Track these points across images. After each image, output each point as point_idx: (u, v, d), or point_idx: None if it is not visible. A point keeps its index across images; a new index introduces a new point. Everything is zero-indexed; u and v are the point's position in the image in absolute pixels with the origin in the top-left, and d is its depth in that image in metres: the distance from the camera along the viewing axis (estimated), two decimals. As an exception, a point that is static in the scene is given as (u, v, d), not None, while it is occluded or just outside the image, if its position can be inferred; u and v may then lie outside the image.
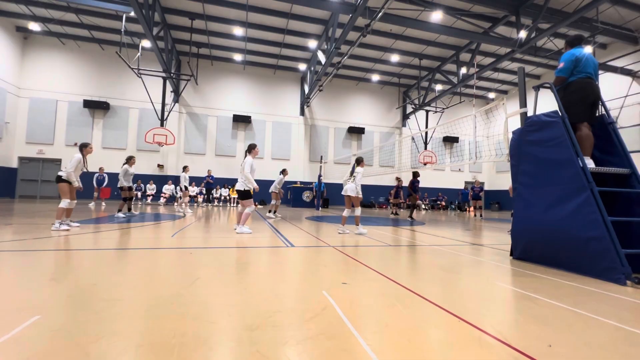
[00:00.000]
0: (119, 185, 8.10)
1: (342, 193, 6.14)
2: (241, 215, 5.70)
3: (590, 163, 3.41)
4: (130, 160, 8.10)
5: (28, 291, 2.15)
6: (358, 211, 6.03)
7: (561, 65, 3.73)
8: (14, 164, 15.81)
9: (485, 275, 3.04)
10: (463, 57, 16.52)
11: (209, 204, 16.41)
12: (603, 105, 3.75)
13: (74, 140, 16.35)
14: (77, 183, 5.38)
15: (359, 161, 6.17)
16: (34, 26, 14.94)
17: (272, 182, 10.27)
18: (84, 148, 5.58)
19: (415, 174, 10.94)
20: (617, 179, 3.53)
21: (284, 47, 16.58)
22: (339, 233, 5.91)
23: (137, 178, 8.54)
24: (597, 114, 3.76)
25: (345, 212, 6.13)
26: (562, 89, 3.78)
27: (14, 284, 2.32)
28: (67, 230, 5.09)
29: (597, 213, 2.97)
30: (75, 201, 5.56)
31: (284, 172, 9.92)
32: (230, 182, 17.48)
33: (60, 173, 5.31)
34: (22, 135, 15.91)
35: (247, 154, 5.97)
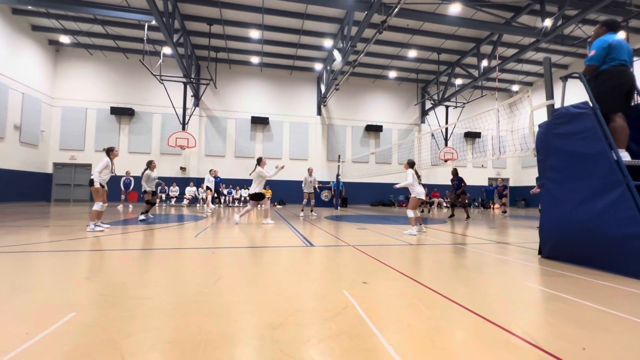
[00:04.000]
0: (143, 190, 8.03)
1: (422, 197, 5.96)
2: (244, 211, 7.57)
3: (625, 156, 3.20)
4: (150, 165, 7.99)
5: (65, 289, 2.29)
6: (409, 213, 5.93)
7: (592, 53, 3.53)
8: (49, 169, 16.81)
9: (512, 275, 2.93)
10: (484, 50, 15.96)
11: (219, 205, 16.10)
12: (639, 93, 3.52)
13: (103, 146, 17.16)
14: (97, 184, 5.54)
15: (412, 164, 6.06)
16: (64, 39, 15.84)
17: (290, 182, 10.49)
18: (110, 152, 5.82)
19: (453, 173, 10.80)
20: (657, 172, 3.30)
21: (299, 48, 16.67)
22: (419, 232, 5.84)
23: (161, 180, 8.54)
24: (632, 103, 3.53)
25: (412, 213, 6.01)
26: (593, 78, 3.58)
27: (52, 282, 2.48)
28: (102, 231, 5.35)
29: (635, 209, 2.79)
30: (107, 204, 5.78)
31: (309, 171, 10.39)
32: (249, 184, 17.76)
33: (92, 177, 5.58)
34: (56, 142, 16.89)
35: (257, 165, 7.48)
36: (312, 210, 10.60)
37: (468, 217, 10.42)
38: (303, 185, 10.26)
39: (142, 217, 7.57)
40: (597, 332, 1.68)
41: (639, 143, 3.49)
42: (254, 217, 9.76)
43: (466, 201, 10.86)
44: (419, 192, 5.89)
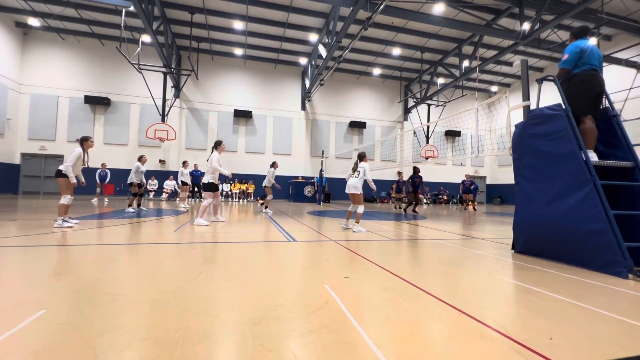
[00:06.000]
0: (128, 182, 8.66)
1: (346, 191, 5.92)
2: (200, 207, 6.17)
3: (593, 156, 3.38)
4: (141, 159, 8.83)
5: (33, 286, 2.18)
6: (360, 209, 5.73)
7: (565, 57, 3.69)
8: (17, 160, 15.87)
9: (486, 269, 3.04)
10: (465, 50, 16.34)
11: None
12: (607, 97, 3.71)
13: (76, 137, 16.36)
14: (74, 179, 5.15)
15: (362, 157, 5.93)
16: (33, 21, 14.86)
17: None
18: (84, 142, 5.35)
19: (415, 170, 10.85)
20: (621, 173, 3.51)
21: (284, 41, 16.45)
22: (343, 228, 5.88)
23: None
24: (601, 107, 3.72)
25: (351, 207, 6.03)
26: (566, 82, 3.74)
27: (19, 279, 2.35)
28: (71, 227, 5.04)
29: (600, 206, 2.96)
30: (73, 197, 5.36)
31: (274, 164, 9.49)
32: (231, 178, 17.46)
33: (60, 167, 5.12)
34: (24, 132, 15.93)
35: (214, 149, 6.58)
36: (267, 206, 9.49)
37: (406, 211, 11.06)
38: (271, 179, 9.29)
39: (130, 209, 8.35)
40: (563, 322, 1.77)
41: (606, 144, 3.69)
42: (239, 211, 9.63)
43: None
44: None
